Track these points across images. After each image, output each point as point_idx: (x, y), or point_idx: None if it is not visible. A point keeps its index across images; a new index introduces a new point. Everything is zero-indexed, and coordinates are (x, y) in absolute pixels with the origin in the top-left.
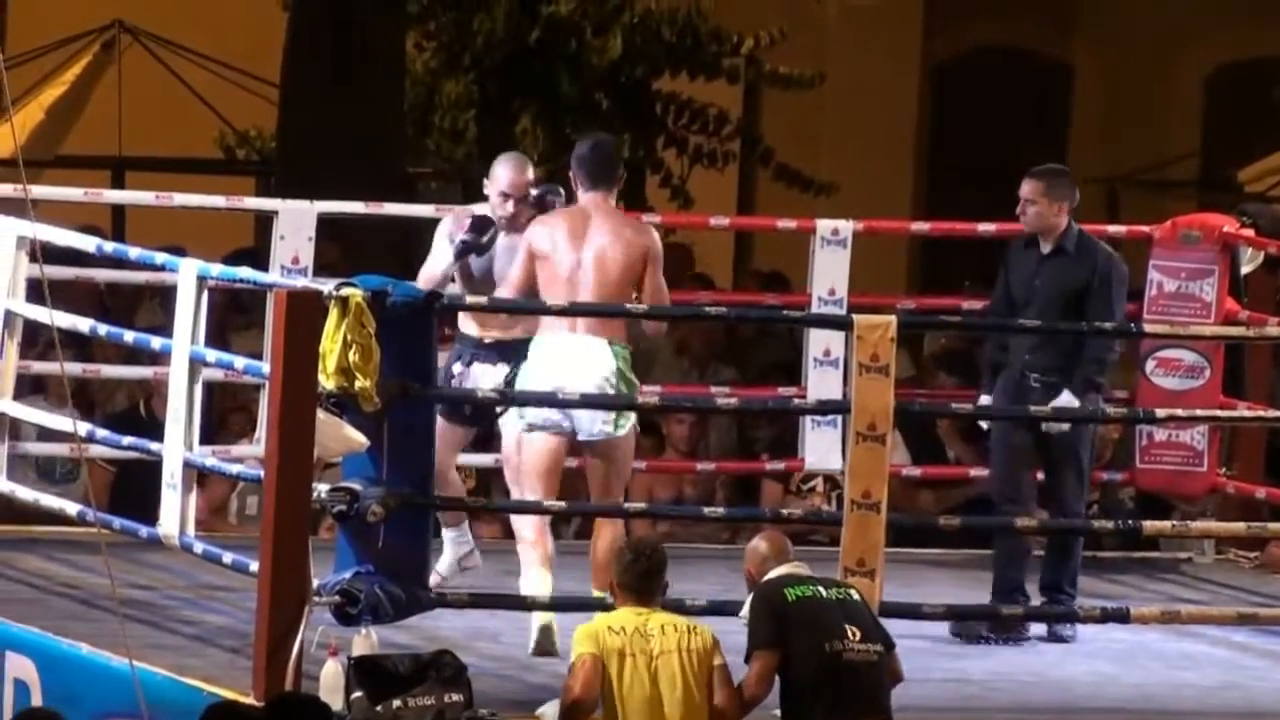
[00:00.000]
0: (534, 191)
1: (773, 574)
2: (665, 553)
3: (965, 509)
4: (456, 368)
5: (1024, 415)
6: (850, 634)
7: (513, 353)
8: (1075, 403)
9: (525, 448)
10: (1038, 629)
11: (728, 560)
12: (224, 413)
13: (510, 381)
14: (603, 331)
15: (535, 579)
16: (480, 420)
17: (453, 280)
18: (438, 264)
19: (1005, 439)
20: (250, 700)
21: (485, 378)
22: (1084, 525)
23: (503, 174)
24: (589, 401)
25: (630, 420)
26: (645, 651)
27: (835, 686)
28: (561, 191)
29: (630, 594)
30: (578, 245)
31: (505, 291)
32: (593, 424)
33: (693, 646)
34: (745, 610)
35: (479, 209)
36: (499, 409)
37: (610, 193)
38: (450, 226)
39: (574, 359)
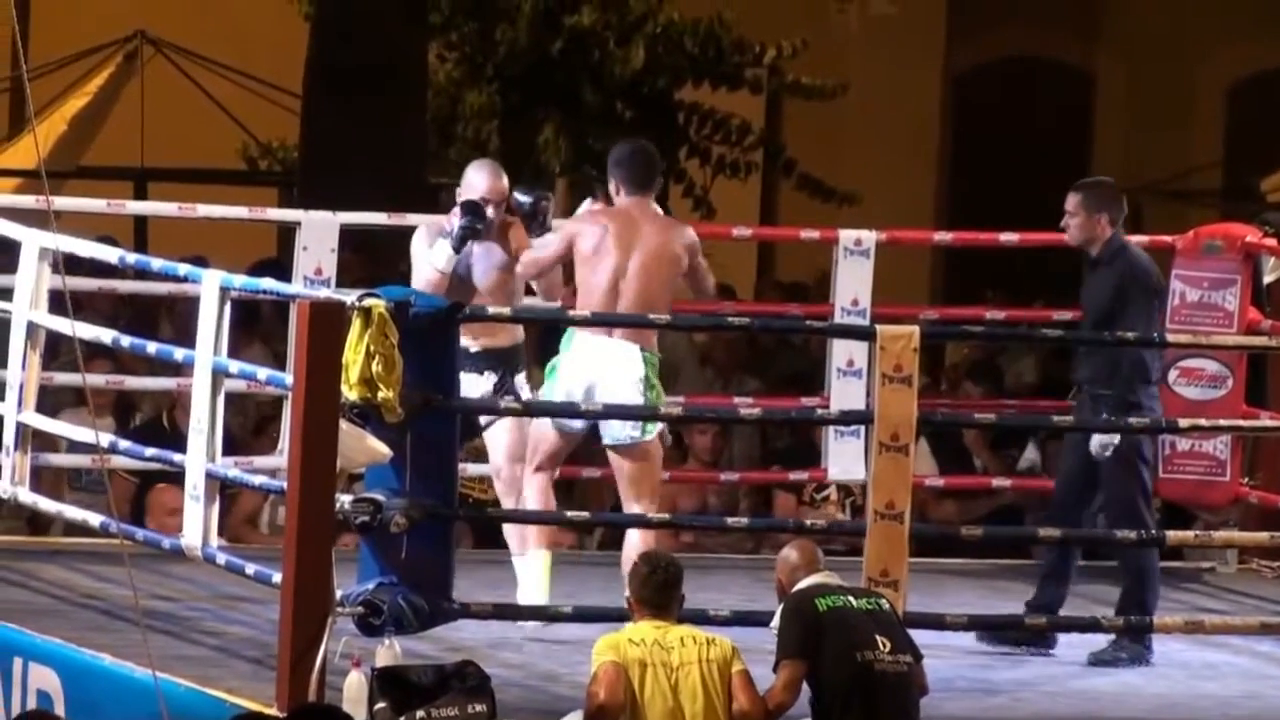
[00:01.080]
0: (526, 199)
1: (803, 583)
2: (681, 565)
3: (990, 519)
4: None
5: (1046, 426)
6: (881, 644)
7: (501, 361)
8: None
9: (544, 431)
10: (1069, 649)
11: (751, 570)
12: (261, 420)
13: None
14: (636, 338)
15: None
16: (469, 432)
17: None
18: (436, 261)
19: (1060, 463)
20: (273, 711)
21: (472, 388)
22: (1105, 534)
23: (479, 181)
24: (612, 412)
25: (657, 424)
26: (665, 663)
27: (866, 697)
28: (551, 196)
29: (648, 607)
30: (624, 249)
31: (486, 292)
32: (622, 429)
33: (712, 657)
34: (776, 620)
35: (443, 219)
36: (484, 421)
37: (652, 196)
38: (426, 235)
39: (607, 363)
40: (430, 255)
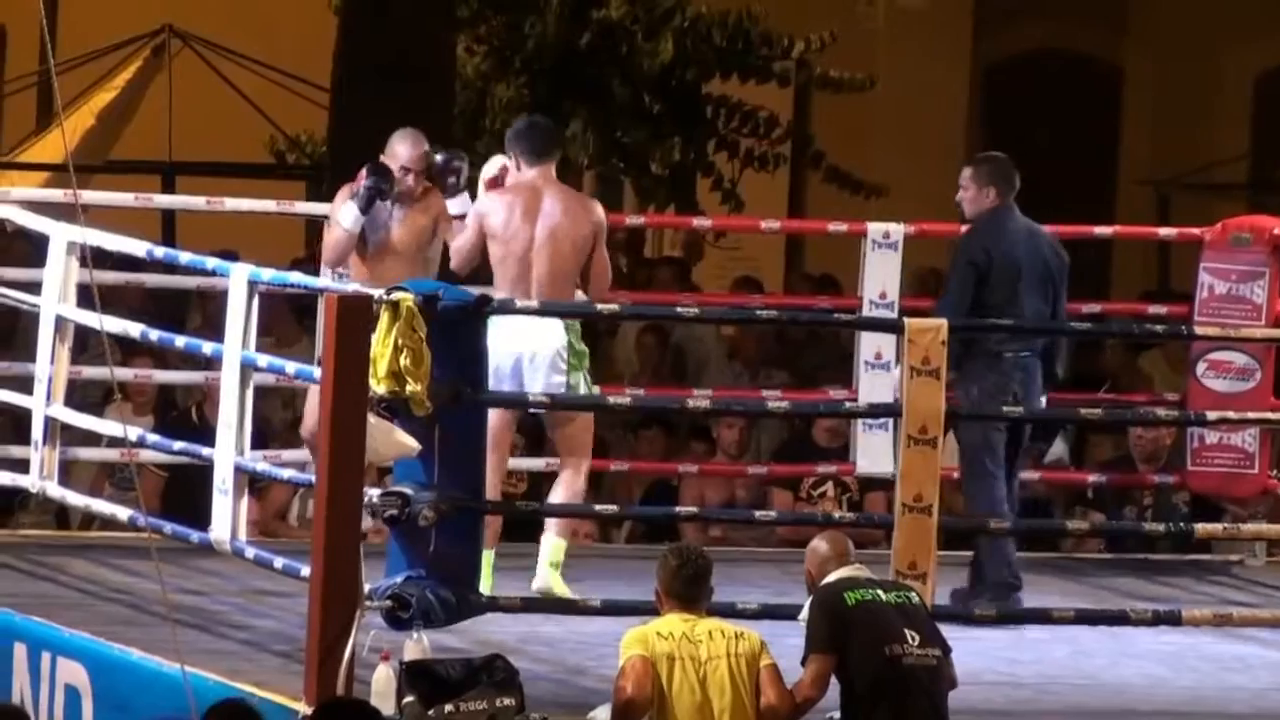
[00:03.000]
0: (439, 158)
1: (832, 576)
2: (710, 558)
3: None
4: None
5: (1074, 419)
6: (910, 638)
7: None
8: None
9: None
10: (1097, 642)
11: (779, 564)
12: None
13: None
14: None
15: None
16: None
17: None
18: (342, 220)
19: None
20: (300, 705)
21: None
22: (1134, 527)
23: (401, 149)
24: (645, 405)
25: (581, 383)
26: (694, 657)
27: (895, 691)
28: (465, 156)
29: (677, 600)
30: (531, 221)
31: (405, 256)
32: (548, 389)
33: (740, 651)
34: (804, 612)
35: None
36: None
37: (552, 166)
38: (343, 197)
39: (529, 335)
40: (339, 214)
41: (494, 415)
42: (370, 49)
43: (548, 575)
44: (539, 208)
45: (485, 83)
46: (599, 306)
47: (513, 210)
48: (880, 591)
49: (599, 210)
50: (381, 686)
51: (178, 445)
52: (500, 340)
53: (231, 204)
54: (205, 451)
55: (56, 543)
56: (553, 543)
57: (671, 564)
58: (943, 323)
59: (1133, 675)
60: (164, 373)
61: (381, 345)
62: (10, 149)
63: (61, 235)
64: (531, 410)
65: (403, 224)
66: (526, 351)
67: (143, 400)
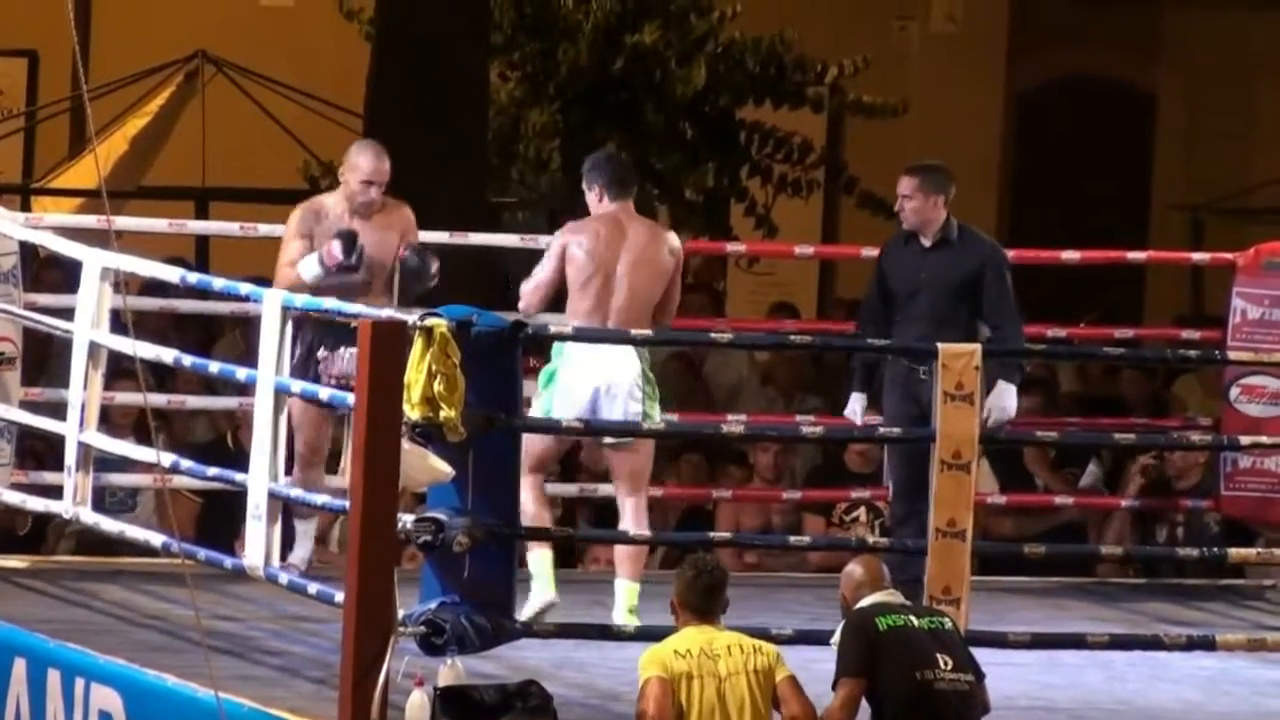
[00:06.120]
0: (417, 260)
1: (865, 601)
2: (726, 570)
3: (1052, 536)
4: (321, 352)
5: (1110, 444)
6: (942, 663)
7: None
8: (1013, 388)
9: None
10: (1131, 666)
11: (815, 589)
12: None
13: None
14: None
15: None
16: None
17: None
18: (304, 273)
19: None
20: None
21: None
22: (1167, 552)
23: (364, 162)
24: (678, 430)
25: (656, 413)
26: (713, 674)
27: (926, 716)
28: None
29: (693, 612)
30: (615, 251)
31: (374, 275)
32: (625, 419)
33: (759, 667)
34: (836, 636)
35: (329, 198)
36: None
37: (632, 200)
38: (302, 219)
39: (607, 364)
40: (301, 264)
41: (538, 441)
42: (403, 75)
43: (626, 621)
44: (623, 238)
45: (518, 109)
46: (632, 332)
47: (598, 238)
48: (913, 617)
49: (676, 241)
50: (416, 712)
51: (211, 471)
52: (576, 373)
53: (265, 229)
54: (239, 477)
55: (90, 569)
56: (626, 587)
57: (687, 574)
58: (976, 348)
59: (1167, 700)
60: (197, 398)
61: (415, 371)
62: (43, 174)
63: (95, 261)
64: (609, 442)
65: (375, 246)
66: (603, 383)
67: (125, 423)
